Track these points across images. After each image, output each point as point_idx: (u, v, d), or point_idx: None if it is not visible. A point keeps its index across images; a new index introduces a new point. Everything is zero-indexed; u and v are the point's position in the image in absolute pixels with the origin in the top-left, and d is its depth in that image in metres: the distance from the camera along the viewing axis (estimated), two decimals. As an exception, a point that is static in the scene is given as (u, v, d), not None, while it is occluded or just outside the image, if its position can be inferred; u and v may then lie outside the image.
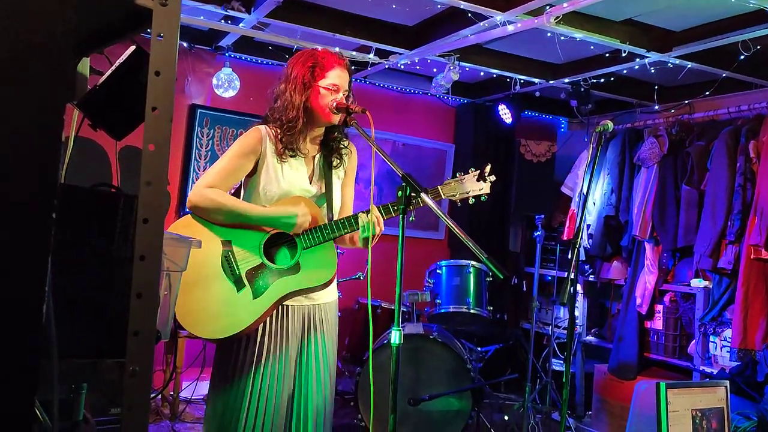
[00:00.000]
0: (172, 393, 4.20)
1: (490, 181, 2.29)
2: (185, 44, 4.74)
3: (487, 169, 2.28)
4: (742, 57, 3.77)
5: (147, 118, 1.01)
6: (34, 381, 0.73)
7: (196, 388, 4.30)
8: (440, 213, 1.89)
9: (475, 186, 2.28)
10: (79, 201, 1.00)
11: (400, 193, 1.93)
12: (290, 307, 2.23)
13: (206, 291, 2.13)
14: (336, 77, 2.23)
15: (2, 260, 0.70)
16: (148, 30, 1.02)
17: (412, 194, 1.94)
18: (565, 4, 3.34)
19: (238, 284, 2.15)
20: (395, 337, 1.85)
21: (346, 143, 2.38)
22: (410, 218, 1.98)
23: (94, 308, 1.02)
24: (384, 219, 2.22)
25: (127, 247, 1.02)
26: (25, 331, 0.71)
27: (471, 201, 2.30)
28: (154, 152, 1.00)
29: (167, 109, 1.01)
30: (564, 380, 2.31)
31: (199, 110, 4.88)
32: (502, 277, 1.69)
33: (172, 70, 1.01)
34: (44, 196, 0.72)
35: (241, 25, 4.15)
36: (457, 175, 2.31)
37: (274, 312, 2.20)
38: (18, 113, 0.73)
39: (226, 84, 4.79)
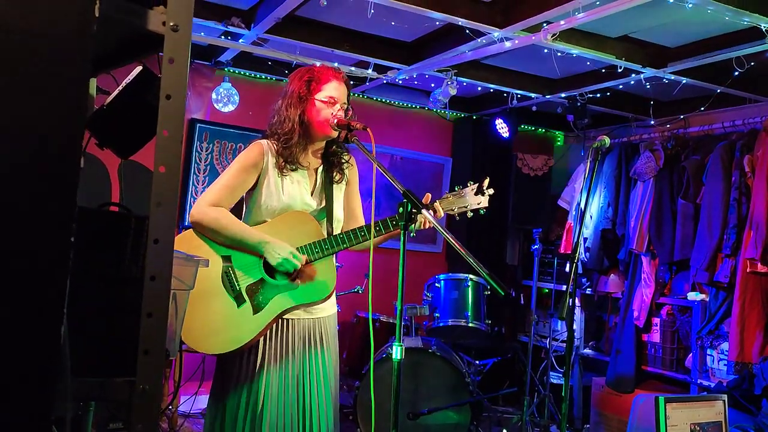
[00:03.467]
0: (170, 407, 4.19)
1: (489, 195, 2.30)
2: (185, 59, 4.77)
3: (485, 182, 2.29)
4: (736, 73, 3.82)
5: (158, 140, 1.03)
6: (51, 400, 0.75)
7: (195, 402, 4.30)
8: (441, 229, 1.91)
9: (473, 200, 2.29)
10: (91, 222, 1.02)
11: (401, 209, 1.94)
12: (290, 321, 2.24)
13: (207, 307, 2.14)
14: (332, 90, 2.25)
15: (23, 283, 0.72)
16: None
17: (413, 210, 1.96)
18: (562, 22, 3.39)
19: (239, 300, 2.16)
20: (396, 352, 1.86)
21: (347, 158, 2.41)
22: (411, 234, 2.00)
23: (104, 327, 1.04)
24: (383, 234, 2.23)
25: (137, 267, 1.04)
26: (43, 351, 0.73)
27: (469, 215, 2.31)
28: (164, 174, 1.02)
29: (178, 132, 1.04)
30: (563, 394, 2.33)
31: (198, 124, 4.90)
32: (503, 293, 1.71)
33: (183, 94, 1.03)
34: (63, 221, 0.74)
35: (240, 41, 4.19)
36: (455, 189, 2.32)
37: (275, 326, 2.21)
38: (37, 140, 0.75)
39: (225, 99, 4.82)
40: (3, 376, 0.73)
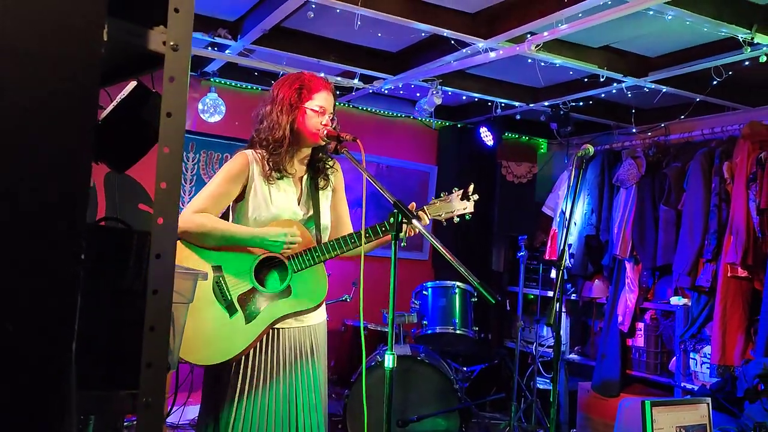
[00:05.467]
0: (158, 418, 4.17)
1: (474, 200, 2.33)
2: (171, 69, 4.77)
3: (471, 188, 2.32)
4: (715, 82, 3.90)
5: (159, 156, 1.05)
6: (63, 415, 0.76)
7: (183, 413, 4.28)
8: (431, 238, 1.94)
9: (459, 205, 2.32)
10: (95, 238, 1.04)
11: (392, 219, 1.98)
12: (281, 330, 2.25)
13: (198, 317, 2.14)
14: (323, 100, 2.27)
15: (36, 302, 0.74)
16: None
17: (404, 220, 1.99)
18: (545, 33, 3.45)
19: (230, 309, 2.17)
20: (389, 360, 1.89)
21: (331, 163, 2.42)
22: (402, 244, 2.03)
23: (107, 341, 1.05)
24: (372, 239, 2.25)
25: (139, 281, 1.06)
26: (58, 368, 0.75)
27: (456, 220, 2.34)
28: (165, 190, 1.05)
29: (178, 149, 1.06)
30: (551, 399, 2.36)
31: (184, 135, 4.89)
32: (493, 302, 1.75)
33: (183, 112, 1.06)
34: (73, 239, 0.76)
35: (227, 51, 4.20)
36: (442, 195, 2.35)
37: (266, 336, 2.22)
38: (48, 159, 0.77)
39: (211, 109, 4.83)
40: (17, 386, 0.75)
